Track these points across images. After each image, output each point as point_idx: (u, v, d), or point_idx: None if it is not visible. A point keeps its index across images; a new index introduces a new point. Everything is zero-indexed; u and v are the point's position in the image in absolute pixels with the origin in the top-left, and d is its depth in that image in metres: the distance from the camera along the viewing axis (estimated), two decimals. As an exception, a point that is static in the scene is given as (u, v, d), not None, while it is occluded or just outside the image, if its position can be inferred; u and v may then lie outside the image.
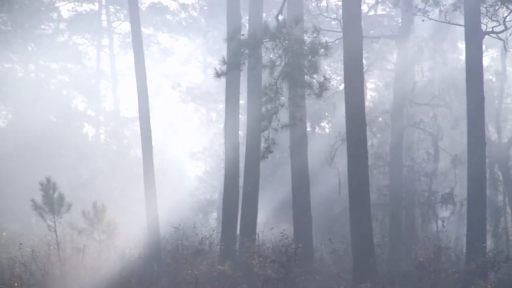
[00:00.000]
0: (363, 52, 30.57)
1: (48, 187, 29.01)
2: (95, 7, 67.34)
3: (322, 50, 27.55)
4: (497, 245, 40.12)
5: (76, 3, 66.01)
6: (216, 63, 51.20)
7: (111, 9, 67.59)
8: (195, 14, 71.53)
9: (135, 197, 46.30)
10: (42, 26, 61.51)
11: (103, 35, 68.13)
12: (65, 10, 66.74)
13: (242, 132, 38.78)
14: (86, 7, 66.90)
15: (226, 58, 29.65)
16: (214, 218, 55.53)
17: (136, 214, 42.54)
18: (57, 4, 64.25)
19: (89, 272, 29.35)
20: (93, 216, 31.42)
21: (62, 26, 64.72)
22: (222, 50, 36.13)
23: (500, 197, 46.03)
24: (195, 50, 74.25)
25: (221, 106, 54.46)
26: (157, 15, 69.43)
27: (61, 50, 62.73)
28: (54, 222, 28.89)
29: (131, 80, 59.69)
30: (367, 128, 30.21)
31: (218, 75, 28.31)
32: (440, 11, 33.79)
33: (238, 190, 33.97)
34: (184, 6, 71.85)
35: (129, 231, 35.61)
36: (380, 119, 42.41)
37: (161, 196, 36.93)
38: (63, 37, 65.29)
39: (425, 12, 33.29)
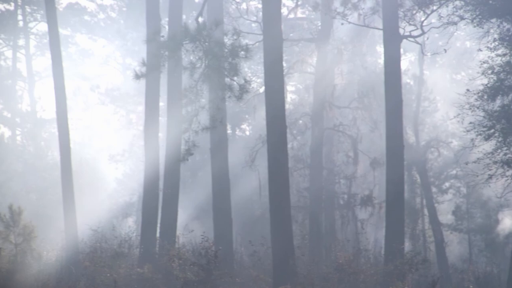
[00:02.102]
0: (283, 55, 30.73)
1: (-38, 190, 28.37)
2: (11, 7, 65.98)
3: (242, 52, 27.52)
4: (415, 247, 40.81)
5: (-9, 2, 64.66)
6: (135, 65, 50.85)
7: (27, 9, 66.31)
8: (113, 15, 70.83)
9: (53, 199, 45.64)
10: (-44, 26, 60.21)
11: (19, 35, 66.82)
12: (-20, 10, 65.10)
13: (162, 134, 38.51)
14: (1, 6, 65.48)
15: (145, 59, 29.42)
16: (133, 221, 55.06)
17: (54, 217, 41.91)
18: (-29, 4, 62.94)
19: (4, 275, 28.78)
20: (9, 219, 30.86)
21: (-24, 26, 63.40)
22: (142, 51, 35.83)
23: (418, 200, 46.75)
24: (114, 51, 73.50)
25: (141, 108, 54.01)
26: (75, 15, 68.53)
27: (-24, 50, 61.51)
28: (-31, 226, 28.27)
29: (49, 81, 58.66)
30: (288, 130, 30.35)
31: (137, 76, 28.05)
32: (359, 14, 34.09)
33: (158, 193, 33.74)
34: (102, 7, 71.10)
35: (46, 234, 35.08)
36: (301, 121, 42.64)
37: (79, 199, 36.44)
38: (-22, 37, 64.01)
39: (344, 16, 33.52)
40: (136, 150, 55.60)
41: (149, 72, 29.41)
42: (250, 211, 46.08)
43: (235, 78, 27.78)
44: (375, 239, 43.52)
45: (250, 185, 43.96)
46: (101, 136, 68.01)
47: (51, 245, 34.69)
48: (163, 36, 30.31)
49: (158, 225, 33.76)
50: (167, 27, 35.31)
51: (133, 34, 64.79)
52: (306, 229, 39.30)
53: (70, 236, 33.71)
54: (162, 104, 39.74)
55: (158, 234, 33.49)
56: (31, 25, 67.27)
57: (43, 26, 64.82)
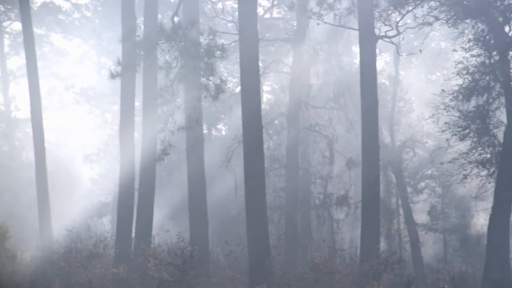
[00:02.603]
0: (259, 54, 30.71)
1: None
2: (-16, 6, 65.57)
3: (218, 52, 27.52)
4: (390, 247, 40.88)
5: (-36, 2, 64.08)
6: (110, 64, 50.65)
7: (1, 8, 65.70)
8: (88, 14, 70.50)
9: (27, 199, 45.31)
10: None
11: (-7, 34, 66.44)
12: (-48, 8, 64.42)
13: (138, 134, 38.37)
14: (-26, 5, 65.05)
15: (121, 59, 29.31)
16: (108, 221, 54.84)
17: (28, 217, 41.64)
18: None
19: (-22, 277, 28.58)
20: (-17, 220, 30.65)
21: (-51, 25, 62.87)
22: (117, 51, 35.67)
23: (393, 200, 46.89)
24: (89, 50, 73.15)
25: (116, 107, 53.81)
26: (50, 14, 68.12)
27: (-51, 49, 61.01)
28: None
29: (23, 81, 58.25)
30: (264, 130, 30.32)
31: (113, 76, 27.95)
32: (335, 15, 34.12)
33: (134, 193, 33.62)
34: (77, 6, 70.72)
35: (20, 234, 34.81)
36: (276, 121, 42.62)
37: (54, 199, 36.21)
38: (-49, 36, 63.43)
39: (320, 16, 33.52)
40: (112, 150, 55.38)
41: (125, 72, 29.32)
42: (226, 211, 46.04)
43: (211, 78, 27.77)
44: (350, 239, 43.61)
45: (226, 185, 43.89)
46: (76, 136, 67.67)
47: (26, 245, 34.46)
48: (138, 36, 30.25)
49: (134, 225, 33.65)
50: (142, 26, 35.20)
51: (108, 33, 64.59)
52: (282, 229, 39.30)
53: (45, 236, 33.47)
54: (138, 103, 39.58)
55: (133, 234, 33.38)
56: (5, 24, 66.75)
57: (17, 25, 64.32)
